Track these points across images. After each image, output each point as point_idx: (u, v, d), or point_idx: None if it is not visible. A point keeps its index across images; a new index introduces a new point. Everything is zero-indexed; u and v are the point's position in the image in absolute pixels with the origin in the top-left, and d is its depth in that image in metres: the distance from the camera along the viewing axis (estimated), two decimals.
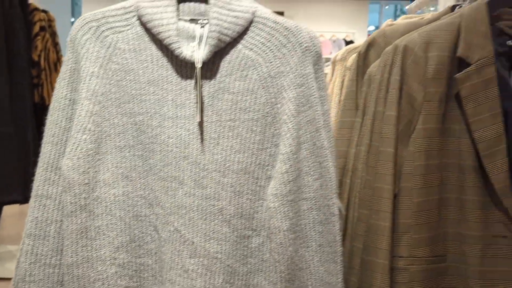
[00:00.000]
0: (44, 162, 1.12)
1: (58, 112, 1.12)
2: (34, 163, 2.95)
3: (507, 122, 1.13)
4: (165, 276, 1.11)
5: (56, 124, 1.11)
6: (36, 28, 3.50)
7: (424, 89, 1.11)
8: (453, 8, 1.30)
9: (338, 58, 1.77)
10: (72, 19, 15.16)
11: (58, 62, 3.66)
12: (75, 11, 14.97)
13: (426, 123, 1.11)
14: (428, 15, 1.43)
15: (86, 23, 1.10)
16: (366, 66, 1.33)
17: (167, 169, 1.10)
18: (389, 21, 1.71)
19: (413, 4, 1.86)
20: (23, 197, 3.30)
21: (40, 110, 3.51)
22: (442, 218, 1.14)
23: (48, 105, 3.28)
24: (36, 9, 3.51)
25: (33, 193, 1.13)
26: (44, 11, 3.58)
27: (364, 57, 1.36)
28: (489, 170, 1.11)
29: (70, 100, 1.11)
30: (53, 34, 3.66)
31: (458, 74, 1.11)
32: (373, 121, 1.18)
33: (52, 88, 3.46)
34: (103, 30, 1.09)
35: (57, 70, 3.62)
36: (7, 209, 3.84)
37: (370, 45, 1.35)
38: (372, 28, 11.44)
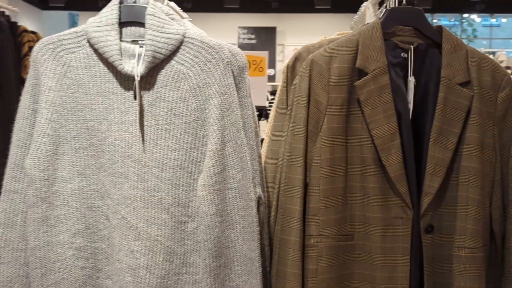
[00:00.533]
0: (11, 163, 1.33)
1: (22, 120, 1.33)
2: None
3: (400, 121, 1.34)
4: (115, 257, 1.31)
5: (21, 130, 1.33)
6: (25, 48, 3.68)
7: (327, 95, 1.32)
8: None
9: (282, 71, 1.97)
10: None
11: None
12: (72, 26, 15.14)
13: (330, 123, 1.32)
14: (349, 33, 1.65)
15: (45, 45, 1.32)
16: (293, 77, 1.54)
17: (115, 166, 1.31)
18: (337, 33, 1.94)
19: (352, 22, 2.08)
20: None
21: None
22: (348, 203, 1.35)
23: None
24: (25, 30, 3.70)
25: (2, 190, 1.34)
26: (33, 32, 3.76)
27: (292, 69, 1.57)
28: (385, 162, 1.32)
29: (32, 110, 1.33)
30: None
31: (357, 82, 1.33)
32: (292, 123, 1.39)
33: None
34: (59, 51, 1.31)
35: None
36: None
37: (296, 58, 1.57)
38: None
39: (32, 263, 1.30)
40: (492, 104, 1.35)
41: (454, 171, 1.34)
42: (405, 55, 1.38)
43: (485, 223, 1.34)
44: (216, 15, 10.95)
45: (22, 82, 3.60)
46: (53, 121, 1.30)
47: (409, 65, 1.38)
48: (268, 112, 6.00)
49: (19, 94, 3.67)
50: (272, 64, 10.45)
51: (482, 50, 9.74)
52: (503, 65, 9.70)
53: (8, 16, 3.54)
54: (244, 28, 10.90)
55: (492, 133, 1.35)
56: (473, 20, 18.48)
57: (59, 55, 1.31)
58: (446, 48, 1.36)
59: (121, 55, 1.28)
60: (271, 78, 10.17)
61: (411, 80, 1.38)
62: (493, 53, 10.18)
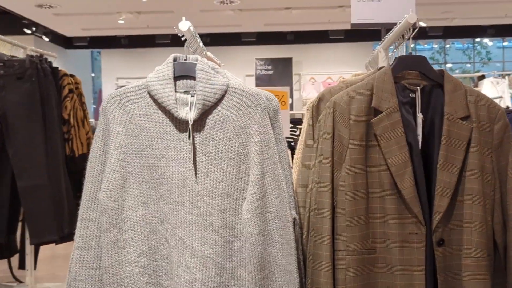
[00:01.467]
0: (86, 195, 1.60)
1: (95, 160, 1.60)
2: (67, 208, 3.60)
3: (411, 151, 1.59)
4: (174, 273, 1.56)
5: (94, 168, 1.59)
6: (65, 91, 4.00)
7: (349, 131, 1.58)
8: (379, 69, 1.78)
9: (306, 108, 2.23)
10: (93, 74, 15.86)
11: (84, 118, 4.14)
12: (94, 65, 15.68)
13: (352, 154, 1.57)
14: (364, 75, 1.91)
15: (113, 97, 1.59)
16: (318, 115, 1.80)
17: (172, 196, 1.56)
18: (354, 74, 2.19)
19: (366, 62, 2.34)
20: (58, 237, 3.79)
21: (71, 161, 4.00)
22: (370, 222, 1.59)
23: (77, 156, 3.86)
24: (65, 74, 4.02)
25: (79, 218, 1.60)
26: (72, 76, 4.09)
27: (317, 108, 1.83)
28: (400, 186, 1.56)
29: (103, 151, 1.59)
30: (80, 95, 4.16)
31: (373, 119, 1.58)
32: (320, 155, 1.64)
33: (81, 142, 3.99)
34: (124, 102, 1.59)
35: (84, 126, 4.10)
36: (40, 251, 4.31)
37: (320, 99, 1.83)
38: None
39: (106, 279, 1.55)
40: (489, 134, 1.59)
41: (459, 192, 1.58)
42: (413, 95, 1.64)
43: (488, 236, 1.57)
44: (234, 48, 11.32)
45: (63, 122, 3.91)
46: (121, 160, 1.56)
47: (417, 103, 1.63)
48: (290, 141, 6.25)
49: (61, 131, 3.98)
50: (289, 94, 10.75)
51: (496, 72, 9.96)
52: None
53: (50, 62, 3.87)
54: (261, 59, 11.24)
55: (490, 159, 1.59)
56: (486, 43, 18.70)
57: (124, 105, 1.58)
58: (447, 88, 1.61)
59: (177, 104, 1.55)
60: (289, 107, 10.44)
61: (419, 116, 1.63)
62: (508, 74, 10.39)
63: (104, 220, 1.55)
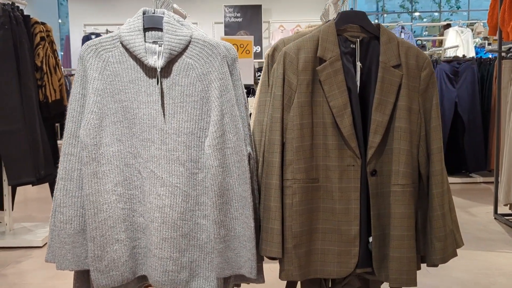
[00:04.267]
0: (68, 133, 1.82)
1: (74, 102, 1.81)
2: (43, 151, 3.90)
3: (351, 95, 1.84)
4: (146, 200, 1.81)
5: (74, 109, 1.81)
6: (37, 38, 4.12)
7: (297, 77, 1.82)
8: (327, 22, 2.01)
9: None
10: (59, 20, 15.59)
11: (56, 65, 4.28)
12: (61, 11, 15.38)
13: (299, 98, 1.82)
14: (314, 27, 2.13)
15: (89, 46, 1.80)
16: (273, 63, 2.03)
17: (144, 134, 1.80)
18: (307, 25, 2.41)
19: (321, 14, 2.55)
20: (35, 179, 4.00)
21: (45, 107, 4.17)
22: (314, 156, 1.85)
23: (50, 102, 4.08)
24: (37, 22, 4.13)
25: (61, 153, 1.83)
26: (43, 23, 4.19)
27: (272, 57, 2.06)
28: (340, 125, 1.82)
29: (81, 95, 1.81)
30: (51, 43, 4.28)
31: (318, 67, 1.82)
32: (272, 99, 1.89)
33: (53, 88, 4.15)
34: (100, 51, 1.79)
35: (56, 73, 4.24)
36: (16, 196, 4.50)
37: (275, 49, 2.06)
38: None
39: (86, 205, 1.79)
40: (417, 80, 1.85)
41: (390, 130, 1.85)
42: (354, 46, 1.88)
43: (413, 167, 1.85)
44: None
45: (36, 69, 4.05)
46: (98, 102, 1.78)
47: (356, 53, 1.88)
48: (255, 89, 6.45)
49: (34, 78, 4.12)
50: (258, 42, 10.87)
51: (461, 22, 10.21)
52: (480, 35, 10.15)
53: (22, 10, 3.97)
54: (230, 7, 11.25)
55: (417, 102, 1.86)
56: None
57: (100, 54, 1.79)
58: (382, 40, 1.86)
59: (146, 53, 1.76)
60: (257, 55, 10.58)
61: (358, 64, 1.87)
62: (473, 24, 10.66)
63: (84, 154, 1.77)
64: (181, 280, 1.80)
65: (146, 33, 1.80)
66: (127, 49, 1.78)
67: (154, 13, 1.81)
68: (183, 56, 1.78)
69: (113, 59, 1.79)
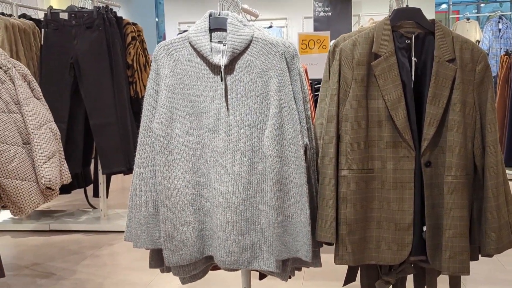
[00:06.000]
0: (143, 125, 2.02)
1: (149, 97, 2.01)
2: (134, 143, 4.26)
3: (405, 89, 1.91)
4: (212, 186, 1.98)
5: (149, 104, 2.01)
6: (129, 38, 4.43)
7: (352, 72, 1.91)
8: None
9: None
10: (156, 19, 16.32)
11: (146, 63, 4.59)
12: (158, 10, 16.10)
13: (354, 92, 1.91)
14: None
15: (162, 47, 1.99)
16: (333, 59, 2.13)
17: (210, 126, 1.97)
18: (369, 21, 2.48)
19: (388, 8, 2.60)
20: (126, 169, 4.33)
21: (135, 102, 4.48)
22: (369, 147, 1.94)
23: (141, 98, 4.42)
24: (128, 23, 4.45)
25: (138, 143, 2.04)
26: (134, 24, 4.50)
27: (332, 53, 2.16)
28: (394, 117, 1.89)
29: (155, 91, 2.00)
30: (142, 42, 4.59)
31: (373, 62, 1.90)
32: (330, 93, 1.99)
33: (143, 85, 4.47)
34: (171, 51, 1.98)
35: (146, 70, 4.55)
36: (112, 184, 4.87)
37: (335, 45, 2.16)
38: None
39: (159, 190, 1.99)
40: (472, 74, 1.88)
41: (444, 123, 1.90)
42: (409, 41, 1.94)
43: (467, 158, 1.89)
44: None
45: (127, 66, 4.37)
46: (169, 97, 1.97)
47: (411, 48, 1.94)
48: None
49: (126, 76, 4.47)
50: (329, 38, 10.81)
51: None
52: None
53: (115, 12, 4.30)
54: (320, 1, 11.27)
55: (472, 95, 1.89)
56: None
57: (171, 53, 1.98)
58: (437, 35, 1.90)
59: (212, 52, 1.92)
60: None
61: (413, 59, 1.93)
62: None
63: (157, 144, 1.97)
64: (243, 260, 1.96)
65: (212, 33, 1.96)
66: (195, 49, 1.96)
67: (219, 15, 1.97)
68: (245, 54, 1.92)
69: (182, 58, 1.97)
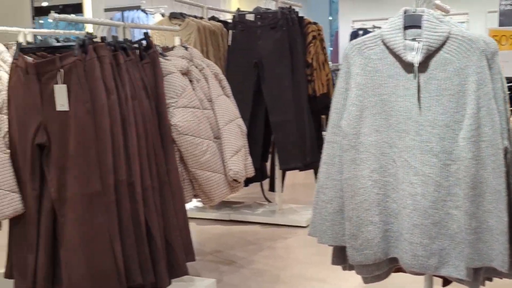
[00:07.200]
0: (331, 123, 2.04)
1: (338, 95, 2.03)
2: (310, 140, 4.33)
3: None
4: (399, 187, 1.94)
5: (338, 102, 2.03)
6: (309, 37, 4.52)
7: None
8: None
9: None
10: (330, 18, 16.45)
11: (325, 61, 4.63)
12: (332, 9, 16.23)
13: None
14: None
15: (354, 45, 1.99)
16: None
17: (400, 125, 1.92)
18: None
19: None
20: (302, 165, 4.43)
21: (313, 100, 4.55)
22: None
23: (318, 96, 4.47)
24: (309, 22, 4.54)
25: (325, 141, 2.07)
26: (314, 23, 4.57)
27: None
28: None
29: (345, 89, 2.01)
30: (321, 41, 4.64)
31: None
32: None
33: (321, 83, 4.51)
34: (363, 49, 1.97)
35: (324, 69, 4.58)
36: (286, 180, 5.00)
37: None
38: None
39: (345, 188, 2.00)
40: None
41: None
42: None
43: None
44: None
45: (307, 65, 4.44)
46: (359, 96, 1.97)
47: None
48: None
49: (305, 74, 4.57)
50: None
51: None
52: None
53: (297, 12, 4.41)
54: None
55: None
56: None
57: (362, 52, 1.97)
58: None
59: (405, 49, 1.88)
60: None
61: None
62: None
63: (345, 142, 1.98)
64: (430, 265, 1.89)
65: (406, 31, 1.91)
66: (387, 47, 1.93)
67: (414, 12, 1.92)
68: (441, 52, 1.85)
69: (374, 56, 1.95)
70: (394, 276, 2.16)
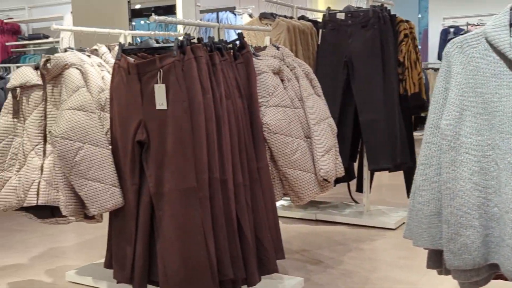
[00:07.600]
0: (430, 123, 1.99)
1: (438, 95, 1.97)
2: (400, 141, 4.23)
3: None
4: (502, 191, 1.86)
5: (437, 101, 1.97)
6: (401, 36, 4.42)
7: None
8: None
9: None
10: (419, 15, 16.04)
11: (417, 60, 4.51)
12: (421, 6, 15.82)
13: None
14: None
15: (455, 43, 1.93)
16: None
17: (503, 126, 1.84)
18: None
19: None
20: (392, 166, 4.34)
21: (404, 99, 4.45)
22: None
23: (409, 95, 4.35)
24: (401, 20, 4.44)
25: (423, 141, 2.01)
26: (407, 21, 4.46)
27: None
28: None
29: (444, 88, 1.96)
30: (413, 39, 4.53)
31: None
32: None
33: (413, 82, 4.40)
34: (464, 47, 1.91)
35: (416, 67, 4.46)
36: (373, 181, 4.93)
37: None
38: None
39: (443, 190, 1.94)
40: None
41: None
42: None
43: None
44: None
45: (398, 64, 4.35)
46: (459, 95, 1.91)
47: None
48: None
49: (396, 73, 4.47)
50: None
51: None
52: None
53: (389, 10, 4.33)
54: None
55: None
56: None
57: (464, 50, 1.91)
58: None
59: (510, 47, 1.80)
60: None
61: None
62: None
63: (444, 143, 1.92)
64: None
65: None
66: (491, 45, 1.86)
67: None
68: None
69: (476, 55, 1.89)
70: (493, 283, 2.08)
